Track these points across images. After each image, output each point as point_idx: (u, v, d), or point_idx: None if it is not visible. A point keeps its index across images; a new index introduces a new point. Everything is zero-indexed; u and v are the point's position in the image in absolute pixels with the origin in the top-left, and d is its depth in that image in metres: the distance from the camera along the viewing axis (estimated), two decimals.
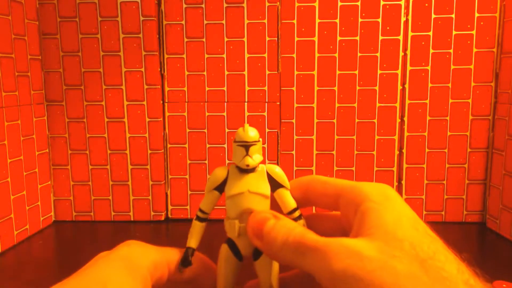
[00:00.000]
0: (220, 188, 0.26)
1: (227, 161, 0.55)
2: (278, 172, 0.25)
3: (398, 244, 0.18)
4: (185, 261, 0.25)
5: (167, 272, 0.24)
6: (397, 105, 0.53)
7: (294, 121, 0.54)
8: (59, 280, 0.21)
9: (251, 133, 0.24)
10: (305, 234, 0.21)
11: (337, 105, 0.54)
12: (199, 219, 0.26)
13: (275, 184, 0.25)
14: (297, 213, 0.25)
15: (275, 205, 0.26)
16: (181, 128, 0.55)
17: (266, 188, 0.25)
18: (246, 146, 0.24)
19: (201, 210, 0.26)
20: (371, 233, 0.19)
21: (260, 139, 0.25)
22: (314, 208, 0.49)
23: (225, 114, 0.54)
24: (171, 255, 0.24)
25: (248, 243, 0.25)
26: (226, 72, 0.54)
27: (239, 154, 0.25)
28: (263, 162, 0.25)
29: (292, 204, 0.25)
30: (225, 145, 0.54)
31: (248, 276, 0.26)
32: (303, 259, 0.20)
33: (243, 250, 0.25)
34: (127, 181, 0.55)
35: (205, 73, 0.54)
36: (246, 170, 0.25)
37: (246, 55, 0.53)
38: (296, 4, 0.52)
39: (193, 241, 0.26)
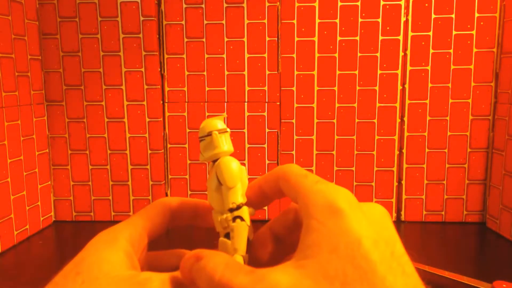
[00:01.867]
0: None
1: None
2: (221, 167, 0.24)
3: (327, 283, 0.17)
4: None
5: (146, 238, 0.24)
6: (397, 105, 0.53)
7: (294, 121, 0.54)
8: None
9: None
10: (231, 276, 0.19)
11: (337, 105, 0.54)
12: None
13: (219, 181, 0.24)
14: (235, 213, 0.24)
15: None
16: (181, 128, 0.55)
17: (211, 184, 0.24)
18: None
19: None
20: (302, 265, 0.18)
21: (228, 130, 0.25)
22: None
23: (225, 114, 0.54)
24: (143, 219, 0.25)
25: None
26: (226, 72, 0.54)
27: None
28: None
29: (228, 203, 0.24)
30: None
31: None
32: None
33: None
34: (127, 181, 0.55)
35: (205, 73, 0.54)
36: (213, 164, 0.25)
37: (246, 55, 0.53)
38: (296, 4, 0.52)
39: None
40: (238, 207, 0.24)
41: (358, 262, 0.18)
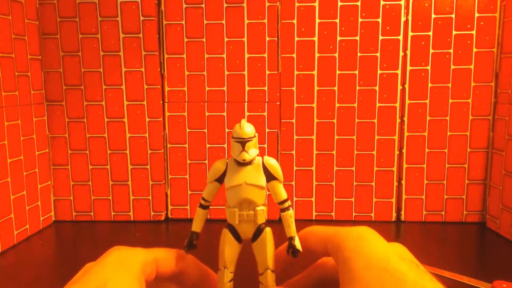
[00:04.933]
0: (220, 179, 0.28)
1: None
2: (273, 164, 0.28)
3: None
4: (190, 244, 0.28)
5: (156, 269, 0.26)
6: (397, 105, 0.53)
7: (294, 121, 0.54)
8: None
9: (247, 129, 0.26)
10: None
11: (337, 105, 0.54)
12: (202, 206, 0.28)
13: (269, 176, 0.27)
14: (286, 204, 0.28)
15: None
16: (181, 128, 0.55)
17: (261, 180, 0.27)
18: (242, 142, 0.26)
19: (203, 199, 0.28)
20: (348, 286, 0.21)
21: (256, 134, 0.27)
22: None
23: (225, 114, 0.54)
24: (158, 253, 0.27)
25: (247, 228, 0.28)
26: (226, 72, 0.54)
27: (236, 149, 0.27)
28: (262, 154, 0.27)
29: (283, 195, 0.28)
30: (225, 145, 0.54)
31: (246, 255, 0.29)
32: None
33: (242, 234, 0.28)
34: (127, 181, 0.55)
35: (205, 73, 0.54)
36: (243, 163, 0.27)
37: (246, 55, 0.53)
38: (296, 4, 0.52)
39: (197, 226, 0.28)
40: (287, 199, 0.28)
41: (391, 272, 0.21)
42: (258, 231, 0.28)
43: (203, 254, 0.29)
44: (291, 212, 0.27)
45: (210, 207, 0.29)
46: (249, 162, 0.27)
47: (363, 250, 0.22)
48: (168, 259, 0.27)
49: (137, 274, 0.24)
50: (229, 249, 0.27)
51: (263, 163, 0.27)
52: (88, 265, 0.25)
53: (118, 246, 0.26)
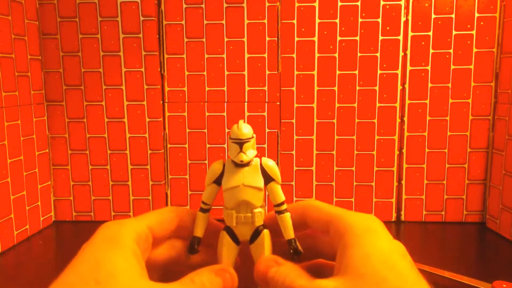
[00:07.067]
0: (218, 181, 0.28)
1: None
2: (270, 166, 0.27)
3: (362, 282, 0.21)
4: (192, 249, 0.27)
5: (152, 236, 0.25)
6: (397, 105, 0.53)
7: (294, 121, 0.54)
8: None
9: (245, 130, 0.26)
10: (294, 280, 0.23)
11: (337, 105, 0.54)
12: (202, 210, 0.28)
13: (267, 178, 0.27)
14: (283, 207, 0.27)
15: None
16: (181, 128, 0.55)
17: (259, 182, 0.27)
18: (240, 143, 0.26)
19: (203, 202, 0.28)
20: (344, 272, 0.22)
21: (254, 135, 0.27)
22: None
23: (225, 114, 0.54)
24: (149, 220, 0.26)
25: (244, 230, 0.27)
26: (226, 72, 0.54)
27: (234, 150, 0.26)
28: (262, 155, 0.27)
29: (281, 197, 0.27)
30: (225, 145, 0.54)
31: (244, 256, 0.29)
32: None
33: (240, 236, 0.28)
34: (127, 181, 0.55)
35: (205, 73, 0.54)
36: (241, 164, 0.27)
37: (246, 55, 0.53)
38: (296, 4, 0.52)
39: (198, 231, 0.28)
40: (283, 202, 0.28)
41: (390, 266, 0.21)
42: (256, 233, 0.28)
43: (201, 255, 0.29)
44: (288, 214, 0.27)
45: None
46: (247, 164, 0.27)
47: (367, 239, 0.22)
48: (162, 221, 0.26)
49: (131, 249, 0.23)
50: (227, 251, 0.27)
51: (261, 164, 0.27)
52: (83, 246, 0.24)
53: (108, 222, 0.25)
